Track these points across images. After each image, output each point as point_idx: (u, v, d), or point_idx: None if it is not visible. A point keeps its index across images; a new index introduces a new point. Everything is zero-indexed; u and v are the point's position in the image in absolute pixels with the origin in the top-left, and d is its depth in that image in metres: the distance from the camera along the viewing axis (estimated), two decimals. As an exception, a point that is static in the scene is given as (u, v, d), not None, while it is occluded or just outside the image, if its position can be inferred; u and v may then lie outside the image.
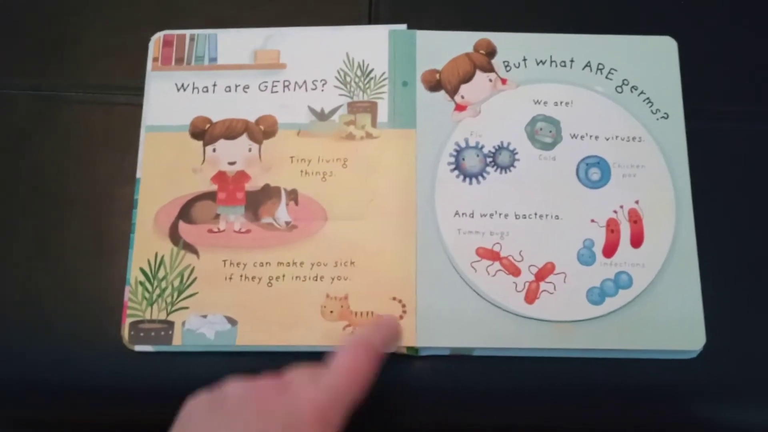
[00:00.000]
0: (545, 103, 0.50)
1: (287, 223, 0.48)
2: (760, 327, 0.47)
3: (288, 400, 0.36)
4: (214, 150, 0.49)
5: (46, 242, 0.49)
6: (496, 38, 0.51)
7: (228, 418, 0.35)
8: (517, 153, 0.49)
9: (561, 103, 0.50)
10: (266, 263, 0.47)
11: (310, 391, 0.36)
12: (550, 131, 0.49)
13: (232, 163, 0.49)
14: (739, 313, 0.47)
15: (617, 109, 0.50)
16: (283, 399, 0.36)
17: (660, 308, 0.46)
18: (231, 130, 0.50)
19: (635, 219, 0.47)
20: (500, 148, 0.49)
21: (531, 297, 0.46)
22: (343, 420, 0.36)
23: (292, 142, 0.49)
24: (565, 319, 0.46)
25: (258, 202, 0.48)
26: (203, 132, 0.49)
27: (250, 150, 0.49)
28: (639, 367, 0.46)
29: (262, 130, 0.49)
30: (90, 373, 0.47)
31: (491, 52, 0.51)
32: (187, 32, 0.52)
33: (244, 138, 0.49)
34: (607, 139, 0.49)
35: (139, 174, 0.49)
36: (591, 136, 0.49)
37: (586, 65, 0.51)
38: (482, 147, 0.49)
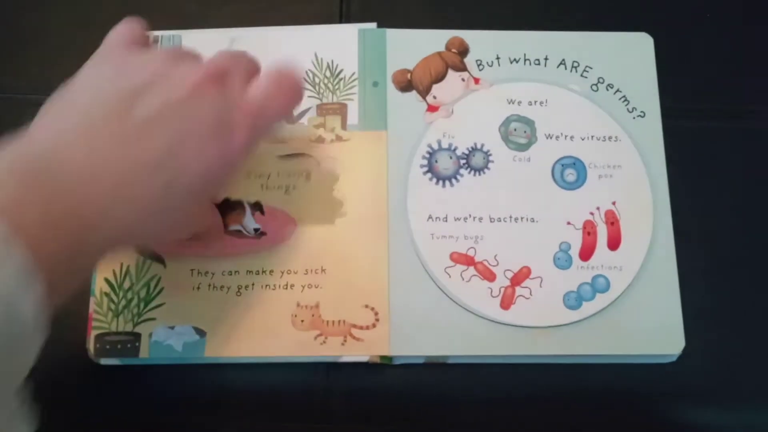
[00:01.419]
0: (519, 102, 0.49)
1: (256, 230, 0.47)
2: (739, 330, 0.46)
3: (226, 92, 0.37)
4: None
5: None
6: (469, 36, 0.50)
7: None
8: (491, 154, 0.48)
9: (535, 102, 0.49)
10: (235, 272, 0.46)
11: (244, 93, 0.37)
12: (525, 131, 0.48)
13: None
14: (717, 316, 0.46)
15: (593, 108, 0.49)
16: (222, 90, 0.37)
17: (638, 312, 0.45)
18: None
19: (612, 221, 0.47)
20: (474, 150, 0.48)
21: (507, 302, 0.45)
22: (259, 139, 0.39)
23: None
24: (541, 325, 0.45)
25: (222, 212, 0.46)
26: None
27: None
28: (617, 371, 0.45)
29: None
30: (55, 386, 0.45)
31: (464, 51, 0.50)
32: (150, 33, 0.50)
33: None
34: (583, 139, 0.48)
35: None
36: (566, 137, 0.48)
37: (561, 63, 0.50)
38: (455, 149, 0.48)
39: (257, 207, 0.47)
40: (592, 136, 0.48)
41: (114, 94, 0.35)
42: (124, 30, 0.40)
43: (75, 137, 0.34)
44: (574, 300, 0.45)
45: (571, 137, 0.48)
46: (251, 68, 0.40)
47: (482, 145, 0.48)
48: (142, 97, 0.35)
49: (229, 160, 0.37)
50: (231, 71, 0.38)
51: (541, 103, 0.49)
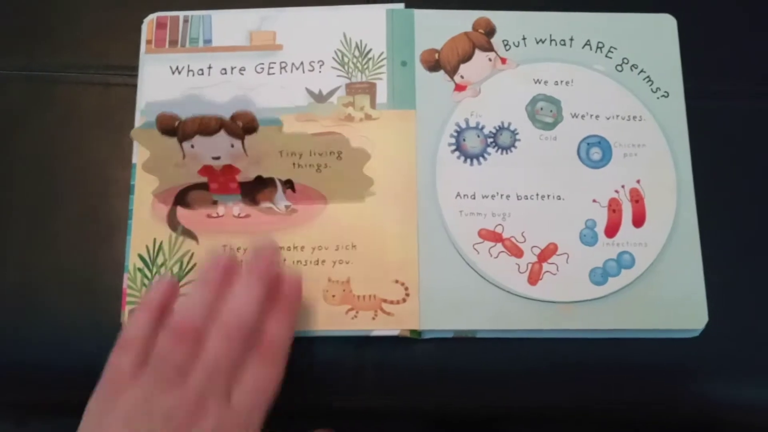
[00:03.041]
0: (545, 82, 0.49)
1: (287, 207, 0.47)
2: (761, 305, 0.47)
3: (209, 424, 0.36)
4: (192, 146, 0.45)
5: (41, 227, 0.48)
6: (495, 17, 0.51)
7: None
8: (517, 133, 0.48)
9: (561, 82, 0.49)
10: (267, 248, 0.46)
11: (227, 411, 0.36)
12: (551, 111, 0.49)
13: (216, 158, 0.46)
14: (740, 292, 0.47)
15: (617, 88, 0.49)
16: (203, 423, 0.36)
17: (662, 288, 0.46)
18: (205, 126, 0.45)
19: (637, 198, 0.47)
20: (501, 129, 0.48)
21: (534, 278, 0.46)
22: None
23: (277, 137, 0.45)
24: (568, 300, 0.46)
25: (254, 190, 0.47)
26: (174, 129, 0.44)
27: (232, 146, 0.45)
28: (641, 346, 0.46)
29: (240, 126, 0.45)
30: (90, 356, 0.46)
31: (490, 31, 0.50)
32: (181, 14, 0.51)
33: (222, 134, 0.45)
34: (608, 119, 0.49)
35: (134, 159, 0.48)
36: (592, 116, 0.49)
37: (586, 44, 0.50)
38: (483, 127, 0.48)
39: (289, 184, 0.47)
40: (617, 116, 0.49)
41: None
42: None
43: None
44: (599, 276, 0.46)
45: (597, 116, 0.49)
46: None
47: (509, 124, 0.48)
48: None
49: None
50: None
51: (566, 83, 0.49)
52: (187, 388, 0.36)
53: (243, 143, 0.45)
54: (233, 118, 0.45)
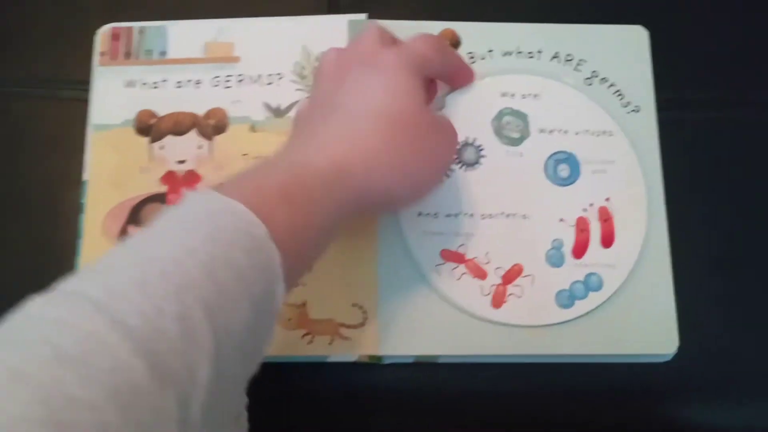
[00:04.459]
0: (512, 95, 0.48)
1: (242, 226, 0.46)
2: (734, 329, 0.45)
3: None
4: (161, 147, 0.47)
5: (-13, 249, 0.46)
6: (461, 28, 0.49)
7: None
8: (483, 149, 0.47)
9: (529, 95, 0.48)
10: (221, 269, 0.45)
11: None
12: (518, 125, 0.47)
13: (181, 162, 0.46)
14: (713, 316, 0.45)
15: (587, 102, 0.48)
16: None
17: (631, 311, 0.44)
18: (178, 124, 0.47)
19: (606, 218, 0.46)
20: (465, 144, 0.47)
21: (498, 301, 0.44)
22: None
23: (244, 138, 0.47)
24: (533, 324, 0.44)
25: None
26: (149, 127, 0.47)
27: (200, 147, 0.46)
28: (609, 370, 0.45)
29: (211, 125, 0.47)
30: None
31: (456, 43, 0.49)
32: (136, 24, 0.49)
33: (192, 134, 0.47)
34: (577, 134, 0.47)
35: (85, 176, 0.46)
36: (560, 131, 0.47)
37: (555, 56, 0.49)
38: (446, 143, 0.47)
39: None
40: (586, 131, 0.47)
41: None
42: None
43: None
44: (566, 298, 0.44)
45: (565, 131, 0.47)
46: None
47: (474, 140, 0.47)
48: None
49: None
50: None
51: (534, 96, 0.48)
52: None
53: (210, 144, 0.46)
54: (206, 115, 0.47)
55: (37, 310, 0.27)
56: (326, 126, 0.38)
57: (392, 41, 0.42)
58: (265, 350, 0.33)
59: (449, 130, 0.42)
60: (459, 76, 0.47)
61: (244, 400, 0.33)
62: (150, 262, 0.29)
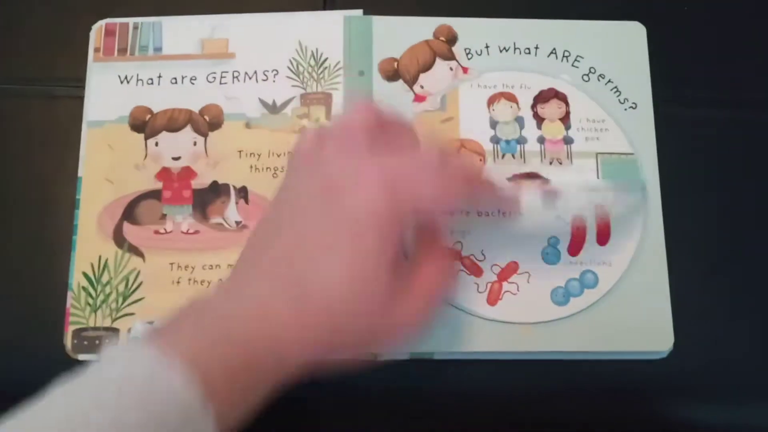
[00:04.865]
0: (511, 87, 0.47)
1: (237, 223, 0.45)
2: (729, 327, 0.45)
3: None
4: (156, 144, 0.47)
5: (-18, 246, 0.46)
6: (457, 24, 0.49)
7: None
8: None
9: (527, 90, 0.47)
10: (216, 266, 0.45)
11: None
12: (515, 127, 0.47)
13: (176, 159, 0.46)
14: (708, 313, 0.45)
15: (584, 99, 0.47)
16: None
17: (627, 308, 0.44)
18: (173, 121, 0.47)
19: (601, 215, 0.45)
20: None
21: (493, 298, 0.44)
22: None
23: (239, 135, 0.47)
24: (528, 321, 0.44)
25: (206, 201, 0.46)
26: (144, 124, 0.47)
27: (195, 143, 0.46)
28: (604, 367, 0.44)
29: (206, 121, 0.47)
30: (31, 384, 0.44)
31: (452, 39, 0.49)
32: (131, 20, 0.49)
33: (188, 130, 0.47)
34: (579, 130, 0.47)
35: (80, 172, 0.46)
36: (558, 128, 0.47)
37: (552, 52, 0.48)
38: (444, 141, 0.47)
39: (243, 193, 0.46)
40: (583, 128, 0.47)
41: None
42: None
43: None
44: (561, 296, 0.44)
45: (565, 128, 0.47)
46: None
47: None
48: None
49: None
50: None
51: (533, 93, 0.47)
52: None
53: (206, 141, 0.46)
54: (201, 112, 0.47)
55: None
56: (283, 294, 0.33)
57: (383, 132, 0.36)
58: None
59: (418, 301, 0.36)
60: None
61: None
62: None
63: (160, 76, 0.48)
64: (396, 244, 0.34)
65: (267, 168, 0.46)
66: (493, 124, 0.47)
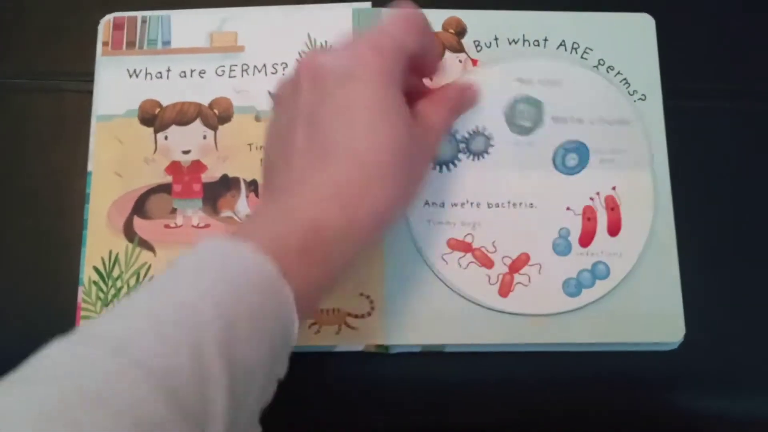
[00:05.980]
0: (530, 82, 0.47)
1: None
2: (740, 317, 0.45)
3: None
4: (166, 138, 0.46)
5: (-8, 241, 0.46)
6: (466, 16, 0.49)
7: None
8: (492, 138, 0.46)
9: (548, 81, 0.47)
10: (227, 259, 0.45)
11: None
12: (531, 114, 0.47)
13: (186, 152, 0.46)
14: (719, 304, 0.45)
15: (607, 89, 0.47)
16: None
17: (638, 299, 0.44)
18: (183, 114, 0.47)
19: (612, 206, 0.45)
20: (475, 134, 0.46)
21: (505, 290, 0.44)
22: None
23: (249, 128, 0.47)
24: (540, 313, 0.44)
25: (216, 194, 0.46)
26: (153, 117, 0.47)
27: (204, 137, 0.46)
28: (616, 358, 0.45)
29: (216, 115, 0.47)
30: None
31: (461, 31, 0.48)
32: (139, 14, 0.49)
33: (197, 124, 0.47)
34: (592, 123, 0.46)
35: (90, 167, 0.46)
36: (574, 119, 0.46)
37: (561, 44, 0.48)
38: (455, 132, 0.46)
39: (253, 186, 0.46)
40: (601, 119, 0.46)
41: None
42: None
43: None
44: (573, 287, 0.44)
45: (580, 120, 0.46)
46: None
47: (484, 129, 0.46)
48: None
49: None
50: None
51: (552, 83, 0.47)
52: None
53: (215, 134, 0.46)
54: (210, 105, 0.47)
55: (60, 351, 0.29)
56: (327, 173, 0.35)
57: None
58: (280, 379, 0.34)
59: (428, 134, 0.40)
60: (428, 65, 0.43)
61: (258, 429, 0.33)
62: (165, 305, 0.30)
63: (169, 70, 0.48)
64: (399, 95, 0.37)
65: None
66: (510, 119, 0.47)
